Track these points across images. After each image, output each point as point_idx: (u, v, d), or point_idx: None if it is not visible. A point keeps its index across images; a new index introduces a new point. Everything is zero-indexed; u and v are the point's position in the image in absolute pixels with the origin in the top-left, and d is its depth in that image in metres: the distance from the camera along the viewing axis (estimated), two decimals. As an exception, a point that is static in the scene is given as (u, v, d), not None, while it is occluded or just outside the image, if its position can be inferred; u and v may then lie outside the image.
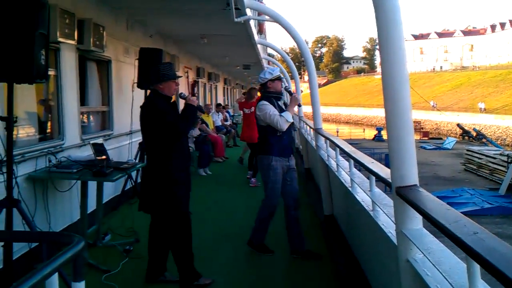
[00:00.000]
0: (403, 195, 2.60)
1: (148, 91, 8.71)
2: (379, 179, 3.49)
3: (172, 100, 4.91)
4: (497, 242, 1.76)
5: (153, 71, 4.84)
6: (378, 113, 73.26)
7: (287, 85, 6.29)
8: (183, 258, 4.90)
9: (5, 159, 4.38)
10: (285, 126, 5.74)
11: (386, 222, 3.58)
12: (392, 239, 3.22)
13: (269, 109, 5.75)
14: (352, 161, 5.12)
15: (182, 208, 4.84)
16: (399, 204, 2.72)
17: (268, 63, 22.82)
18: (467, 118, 60.59)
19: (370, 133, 44.43)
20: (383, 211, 3.65)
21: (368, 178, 4.40)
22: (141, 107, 4.90)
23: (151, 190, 4.77)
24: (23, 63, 4.03)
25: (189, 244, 4.94)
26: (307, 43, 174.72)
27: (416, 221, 2.70)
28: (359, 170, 5.25)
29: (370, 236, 4.27)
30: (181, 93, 5.21)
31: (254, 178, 10.55)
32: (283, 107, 5.98)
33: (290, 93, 6.31)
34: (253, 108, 10.30)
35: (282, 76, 6.19)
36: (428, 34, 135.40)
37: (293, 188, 6.01)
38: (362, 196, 4.58)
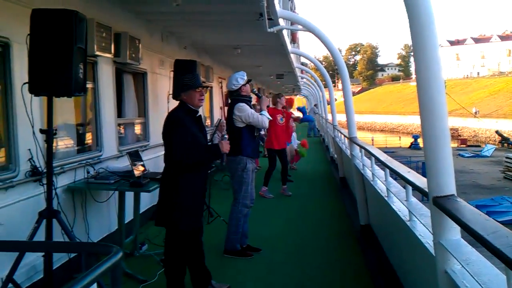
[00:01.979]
0: (440, 205, 2.57)
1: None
2: (416, 188, 3.44)
3: (198, 114, 4.79)
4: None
5: (178, 82, 4.83)
6: (414, 121, 72.22)
7: (254, 89, 6.57)
8: (198, 275, 4.84)
9: (45, 170, 4.50)
10: (267, 124, 6.19)
11: (424, 232, 3.53)
12: (430, 250, 3.17)
13: (249, 110, 6.08)
14: (387, 170, 5.06)
15: (190, 227, 4.68)
16: (437, 214, 2.68)
17: (302, 72, 22.85)
18: (506, 124, 59.21)
19: (406, 141, 43.85)
20: (420, 221, 3.59)
21: (404, 187, 4.36)
22: (166, 117, 4.84)
23: (162, 201, 4.69)
24: (62, 77, 4.13)
25: (199, 261, 4.87)
26: (340, 51, 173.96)
27: (454, 232, 2.66)
28: (395, 179, 5.20)
29: (407, 246, 4.21)
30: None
31: (284, 185, 10.63)
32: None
33: (259, 96, 6.83)
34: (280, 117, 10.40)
35: (249, 79, 6.44)
36: (464, 40, 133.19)
37: (253, 189, 6.34)
38: (398, 206, 4.53)
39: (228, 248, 6.26)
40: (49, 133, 4.32)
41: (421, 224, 3.56)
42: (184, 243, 4.71)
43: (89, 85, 6.17)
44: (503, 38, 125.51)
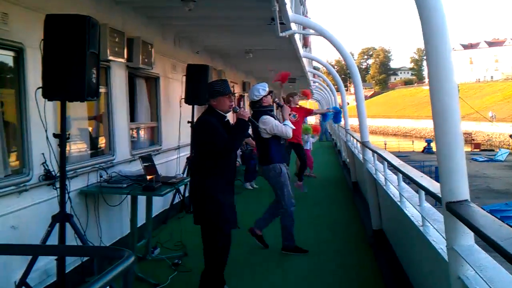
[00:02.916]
0: (453, 211, 2.55)
1: (199, 108, 8.92)
2: (429, 194, 3.41)
3: (226, 119, 4.89)
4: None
5: (207, 88, 4.95)
6: (427, 125, 71.79)
7: (276, 99, 6.74)
8: (210, 280, 4.87)
9: (58, 174, 4.53)
10: (291, 133, 6.42)
11: (437, 238, 3.50)
12: (443, 255, 3.15)
13: (273, 121, 6.35)
14: (400, 175, 5.04)
15: (221, 223, 4.76)
16: (450, 220, 2.66)
17: (314, 76, 22.81)
18: (520, 128, 58.65)
19: (420, 145, 43.64)
20: (433, 227, 3.57)
21: (417, 192, 4.33)
22: (196, 122, 4.95)
23: (198, 204, 4.78)
24: (75, 82, 4.17)
25: (221, 267, 4.93)
26: (352, 55, 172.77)
27: (467, 237, 2.64)
28: (408, 184, 5.17)
29: (420, 251, 4.18)
30: (234, 106, 5.22)
31: (300, 181, 10.84)
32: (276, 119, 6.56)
33: (280, 105, 7.00)
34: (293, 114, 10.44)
35: (271, 90, 6.69)
36: (477, 44, 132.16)
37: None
38: (411, 211, 4.50)
39: (286, 243, 6.59)
40: (63, 138, 4.36)
41: (434, 230, 3.53)
42: (219, 239, 4.81)
43: (102, 90, 6.22)
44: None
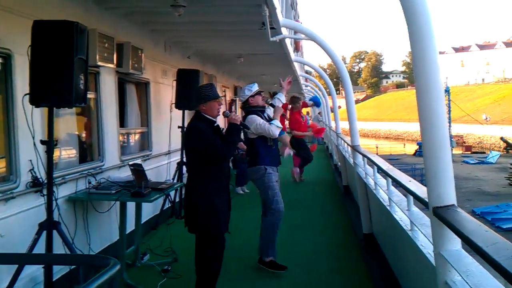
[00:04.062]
0: (440, 216, 2.55)
1: (190, 113, 8.88)
2: (416, 198, 3.41)
3: (216, 124, 4.87)
4: (537, 266, 1.69)
5: (195, 93, 4.87)
6: (419, 128, 71.70)
7: (269, 99, 6.58)
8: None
9: (46, 181, 4.50)
10: (276, 132, 6.09)
11: (425, 243, 3.51)
12: (431, 260, 3.15)
13: (257, 120, 6.07)
14: (389, 179, 5.04)
15: (214, 231, 4.75)
16: (437, 225, 2.66)
17: (306, 80, 22.84)
18: (511, 131, 59.00)
19: (411, 148, 43.81)
20: (421, 231, 3.57)
21: (406, 196, 4.33)
22: (185, 129, 4.90)
23: (192, 210, 4.75)
24: (63, 88, 4.15)
25: (215, 275, 4.88)
26: (344, 58, 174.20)
27: (454, 242, 2.64)
28: (396, 188, 5.17)
29: (409, 256, 4.18)
30: (224, 111, 5.18)
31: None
32: (269, 119, 6.28)
33: (273, 106, 6.69)
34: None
35: (260, 91, 6.49)
36: (468, 47, 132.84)
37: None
38: (400, 215, 4.50)
39: (266, 253, 6.10)
40: (50, 144, 4.33)
41: (422, 234, 3.53)
42: (212, 248, 4.78)
43: (91, 95, 6.19)
44: (508, 44, 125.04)
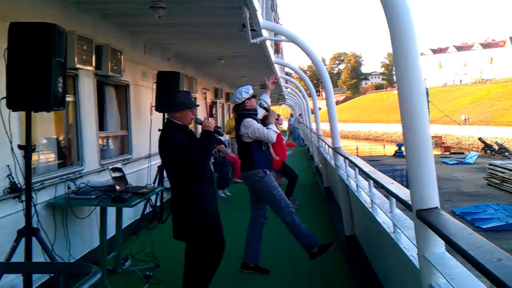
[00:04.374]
0: (424, 219, 2.54)
1: (167, 114, 8.80)
2: (400, 201, 3.41)
3: (189, 129, 4.84)
4: (523, 270, 1.69)
5: (170, 100, 4.80)
6: (398, 129, 72.48)
7: (261, 102, 6.50)
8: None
9: (24, 187, 4.41)
10: (274, 137, 6.04)
11: (408, 245, 3.50)
12: (415, 263, 3.15)
13: (255, 124, 5.98)
14: (371, 182, 5.04)
15: (213, 233, 4.73)
16: (420, 228, 2.65)
17: (286, 82, 22.87)
18: (489, 131, 59.80)
19: (391, 149, 44.03)
20: (404, 234, 3.57)
21: (388, 198, 4.33)
22: (159, 140, 4.82)
23: (181, 218, 4.69)
24: (40, 92, 4.08)
25: (208, 278, 4.83)
26: (324, 60, 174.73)
27: (438, 245, 2.63)
28: (377, 189, 5.17)
29: (392, 258, 4.18)
30: (197, 118, 5.14)
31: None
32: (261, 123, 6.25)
33: (266, 109, 6.57)
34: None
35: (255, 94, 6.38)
36: (446, 48, 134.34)
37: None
38: (382, 218, 4.50)
39: (310, 246, 5.97)
40: (28, 149, 4.25)
41: (405, 237, 3.53)
42: (214, 253, 4.76)
43: (70, 99, 6.11)
44: (485, 46, 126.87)
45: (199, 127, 5.04)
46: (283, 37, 9.27)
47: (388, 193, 3.82)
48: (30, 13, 5.02)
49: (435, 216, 2.51)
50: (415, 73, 2.64)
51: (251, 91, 6.16)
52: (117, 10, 6.89)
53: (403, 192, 3.45)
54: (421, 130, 2.64)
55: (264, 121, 6.37)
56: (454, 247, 2.08)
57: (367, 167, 5.31)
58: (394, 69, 2.78)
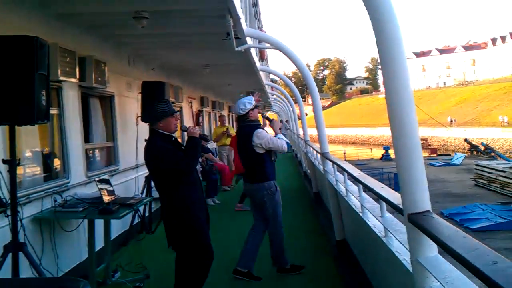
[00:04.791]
0: (416, 222, 2.52)
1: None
2: (391, 205, 3.39)
3: (174, 138, 4.81)
4: (519, 272, 1.67)
5: (150, 111, 4.78)
6: (384, 132, 73.21)
7: (262, 112, 6.53)
8: None
9: (9, 202, 4.33)
10: (286, 147, 6.11)
11: (400, 249, 3.48)
12: (407, 267, 3.12)
13: (268, 135, 6.04)
14: (361, 186, 5.02)
15: (203, 240, 4.72)
16: (413, 232, 2.63)
17: (271, 89, 22.90)
18: (474, 132, 60.33)
19: (378, 153, 44.23)
20: (396, 238, 3.55)
21: (377, 201, 4.32)
22: (145, 149, 4.79)
23: (171, 226, 4.68)
24: (24, 105, 4.02)
25: (199, 287, 4.78)
26: (309, 66, 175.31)
27: (431, 248, 2.61)
28: (366, 192, 5.16)
29: (384, 262, 4.16)
30: (182, 125, 5.13)
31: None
32: None
33: (269, 119, 6.70)
34: None
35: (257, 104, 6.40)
36: (429, 51, 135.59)
37: None
38: (373, 222, 4.48)
39: (282, 265, 6.22)
40: (13, 163, 4.18)
41: (397, 241, 3.51)
42: (204, 260, 4.73)
43: (54, 111, 6.03)
44: (467, 48, 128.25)
45: (186, 137, 5.00)
46: (267, 44, 9.27)
47: (379, 198, 3.80)
48: (11, 25, 4.95)
49: (427, 219, 2.49)
50: (403, 77, 2.63)
51: (253, 102, 6.16)
52: (100, 21, 6.82)
53: (394, 196, 3.42)
54: (410, 134, 2.63)
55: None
56: (448, 251, 2.06)
57: (356, 172, 5.30)
58: (379, 73, 2.78)
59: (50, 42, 5.48)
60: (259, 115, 6.85)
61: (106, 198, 5.52)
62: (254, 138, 6.00)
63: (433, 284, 2.57)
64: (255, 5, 11.34)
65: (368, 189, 4.35)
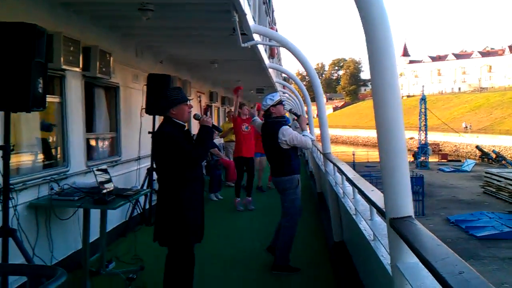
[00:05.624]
0: (396, 228, 2.49)
1: (161, 118, 8.73)
2: (377, 209, 3.36)
3: (186, 129, 4.73)
4: (483, 284, 1.64)
5: (163, 98, 4.67)
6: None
7: (291, 108, 6.61)
8: None
9: (2, 187, 4.35)
10: (310, 144, 6.33)
11: (385, 254, 3.45)
12: (390, 272, 3.09)
13: (293, 133, 6.23)
14: (355, 188, 5.00)
15: (192, 241, 4.65)
16: (393, 236, 2.60)
17: (283, 88, 22.85)
18: (487, 139, 59.87)
19: (388, 156, 43.97)
20: (381, 242, 3.52)
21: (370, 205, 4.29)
22: (153, 134, 4.73)
23: (165, 220, 4.57)
24: (19, 92, 4.04)
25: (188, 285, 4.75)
26: (323, 66, 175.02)
27: (411, 255, 2.57)
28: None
29: (372, 266, 4.13)
30: (195, 114, 5.02)
31: (239, 198, 10.76)
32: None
33: (297, 115, 6.87)
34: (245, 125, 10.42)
35: (283, 100, 6.47)
36: (445, 56, 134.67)
37: None
38: (364, 225, 4.45)
39: (280, 263, 6.25)
40: (7, 149, 4.20)
41: (382, 245, 3.48)
42: (187, 261, 4.67)
43: (56, 99, 6.07)
44: (484, 54, 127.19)
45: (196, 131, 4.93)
46: (274, 42, 9.23)
47: (367, 201, 3.78)
48: (17, 13, 4.98)
49: (407, 225, 2.46)
50: (391, 80, 2.59)
51: (276, 98, 6.40)
52: (106, 12, 6.82)
53: (382, 200, 3.39)
54: (396, 138, 2.59)
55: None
56: (419, 257, 2.03)
57: (351, 174, 5.27)
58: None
59: (55, 30, 5.54)
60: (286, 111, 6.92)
61: (104, 188, 5.51)
62: (279, 135, 6.18)
63: (410, 291, 2.53)
64: (266, 2, 11.31)
65: (359, 191, 4.32)
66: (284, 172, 6.28)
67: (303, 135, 6.23)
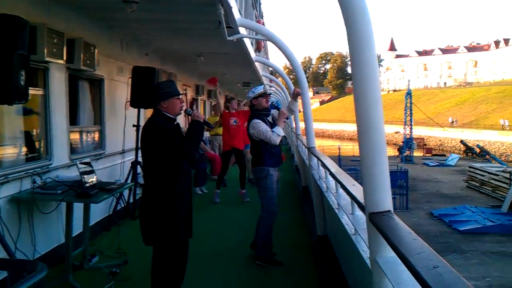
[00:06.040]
0: (374, 222, 2.52)
1: (146, 111, 8.71)
2: (357, 203, 3.39)
3: (176, 123, 4.66)
4: (456, 278, 1.66)
5: (154, 90, 4.58)
6: (386, 130, 73.16)
7: (274, 101, 6.64)
8: None
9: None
10: (277, 141, 6.29)
11: (365, 248, 3.48)
12: (369, 266, 3.12)
13: (261, 126, 6.27)
14: (338, 183, 5.02)
15: (180, 238, 4.58)
16: (372, 231, 2.63)
17: (270, 81, 22.86)
18: (471, 134, 60.39)
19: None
20: (361, 237, 3.55)
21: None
22: (142, 127, 4.63)
23: (151, 218, 4.47)
24: (1, 85, 4.00)
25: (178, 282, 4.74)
26: (311, 59, 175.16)
27: (389, 249, 2.60)
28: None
29: (353, 260, 4.17)
30: (186, 109, 4.95)
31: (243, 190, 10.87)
32: (272, 122, 6.51)
33: (278, 108, 6.96)
34: (234, 119, 10.45)
35: (266, 92, 6.66)
36: (432, 51, 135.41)
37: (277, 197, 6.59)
38: (346, 220, 4.48)
39: (261, 255, 6.36)
40: (-12, 142, 4.17)
41: (362, 240, 3.52)
42: (174, 259, 4.61)
43: (40, 92, 6.01)
44: (470, 49, 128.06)
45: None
46: (260, 36, 9.22)
47: (348, 195, 3.81)
48: (0, 4, 4.93)
49: (386, 220, 2.49)
50: (371, 74, 2.60)
51: (258, 91, 6.53)
52: (91, 4, 6.76)
53: (362, 195, 3.41)
54: (375, 132, 2.60)
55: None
56: (396, 252, 2.06)
57: (334, 168, 5.30)
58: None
59: (38, 22, 5.48)
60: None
61: (87, 182, 5.48)
62: (249, 128, 6.36)
63: (389, 286, 2.56)
64: (253, -5, 11.30)
65: (341, 186, 4.34)
66: (256, 163, 6.46)
67: (272, 131, 6.24)
